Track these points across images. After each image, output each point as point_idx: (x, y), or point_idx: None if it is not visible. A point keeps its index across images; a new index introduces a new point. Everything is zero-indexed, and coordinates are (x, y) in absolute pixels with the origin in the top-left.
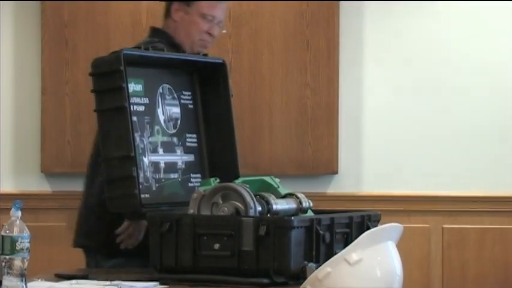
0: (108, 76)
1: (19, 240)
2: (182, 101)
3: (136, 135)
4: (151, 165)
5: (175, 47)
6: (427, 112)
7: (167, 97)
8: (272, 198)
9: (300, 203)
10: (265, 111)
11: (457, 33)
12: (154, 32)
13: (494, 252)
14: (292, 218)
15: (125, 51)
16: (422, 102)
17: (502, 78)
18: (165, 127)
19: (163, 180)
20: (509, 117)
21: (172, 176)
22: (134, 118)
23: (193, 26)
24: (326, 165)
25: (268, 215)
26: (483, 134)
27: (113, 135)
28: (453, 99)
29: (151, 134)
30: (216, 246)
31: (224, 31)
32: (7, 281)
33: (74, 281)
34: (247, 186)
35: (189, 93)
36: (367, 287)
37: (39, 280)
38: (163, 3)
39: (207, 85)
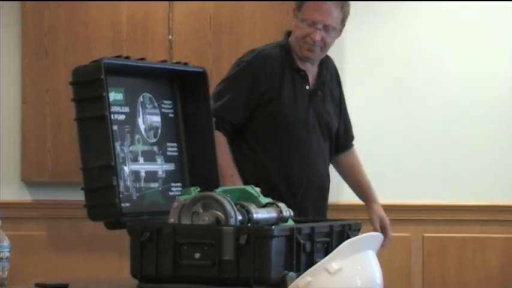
0: (88, 85)
1: None
2: (163, 110)
3: (117, 144)
4: (132, 174)
5: (288, 51)
6: (406, 121)
7: (148, 106)
8: (253, 208)
9: (281, 212)
10: None
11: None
12: (285, 35)
13: (475, 261)
14: (273, 227)
15: (105, 60)
16: (401, 111)
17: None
18: (145, 136)
19: (143, 189)
20: (492, 126)
21: (152, 185)
22: (115, 127)
23: (297, 30)
24: None
25: (249, 224)
26: (463, 144)
27: (93, 144)
28: (433, 107)
29: (132, 143)
30: (197, 255)
31: (331, 38)
32: None
33: None
34: (228, 195)
35: (170, 102)
36: None
37: None
38: (147, 12)
39: (187, 94)
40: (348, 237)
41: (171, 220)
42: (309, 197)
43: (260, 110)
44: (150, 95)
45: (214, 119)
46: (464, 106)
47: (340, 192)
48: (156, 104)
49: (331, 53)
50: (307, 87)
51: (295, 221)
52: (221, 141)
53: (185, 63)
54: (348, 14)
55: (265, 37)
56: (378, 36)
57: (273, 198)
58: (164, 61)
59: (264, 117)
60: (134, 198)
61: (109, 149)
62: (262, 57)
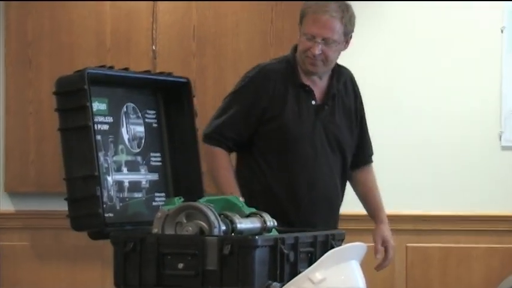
0: (72, 95)
1: None
2: (146, 120)
3: (100, 154)
4: (116, 184)
5: (293, 65)
6: (389, 131)
7: (131, 116)
8: (236, 218)
9: (264, 222)
10: None
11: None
12: (292, 49)
13: (459, 271)
14: (256, 237)
15: (89, 70)
16: (385, 120)
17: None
18: (129, 146)
19: (127, 199)
20: (477, 135)
21: (136, 195)
22: (98, 137)
23: (300, 44)
24: None
25: (233, 234)
26: (446, 154)
27: (76, 154)
28: (416, 117)
29: (116, 153)
30: (180, 265)
31: (333, 52)
32: None
33: None
34: (212, 205)
35: (154, 112)
36: None
37: None
38: (131, 22)
39: (171, 104)
40: (332, 247)
41: (155, 230)
42: (316, 213)
43: (264, 126)
44: (134, 105)
45: (215, 136)
46: (447, 116)
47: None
48: (139, 114)
49: None
50: (313, 101)
51: (279, 231)
52: (222, 158)
53: (169, 74)
54: (351, 24)
55: (249, 48)
56: (368, 45)
57: (278, 215)
58: (148, 71)
59: (268, 133)
60: (118, 208)
61: (92, 159)
62: (264, 72)
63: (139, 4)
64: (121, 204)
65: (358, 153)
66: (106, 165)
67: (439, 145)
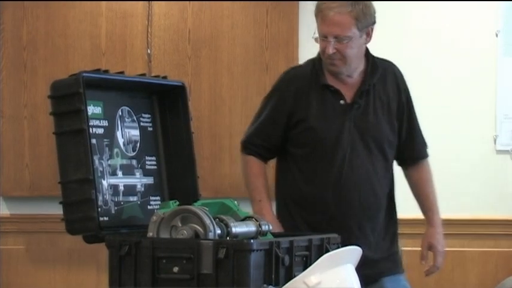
0: (67, 99)
1: None
2: (141, 124)
3: (96, 158)
4: (111, 188)
5: (318, 66)
6: None
7: (126, 120)
8: (231, 221)
9: (260, 226)
10: (225, 134)
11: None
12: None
13: (454, 275)
14: (252, 241)
15: (84, 74)
16: None
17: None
18: (124, 150)
19: (122, 203)
20: (464, 139)
21: (131, 198)
22: (93, 141)
23: (319, 46)
24: None
25: (228, 238)
26: (442, 158)
27: (71, 158)
28: None
29: (111, 157)
30: (175, 269)
31: (350, 50)
32: None
33: None
34: (207, 209)
35: (149, 115)
36: None
37: None
38: (126, 26)
39: (166, 108)
40: (327, 251)
41: (150, 234)
42: (347, 217)
43: (292, 131)
44: (129, 109)
45: (246, 144)
46: (442, 120)
47: None
48: (135, 118)
49: None
50: (342, 101)
51: (274, 235)
52: (252, 165)
53: (164, 77)
54: (366, 16)
55: (245, 51)
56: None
57: (309, 221)
58: (143, 75)
59: (296, 137)
60: (113, 212)
61: (87, 162)
62: (288, 77)
63: (135, 7)
64: (116, 207)
65: (406, 149)
66: (101, 168)
67: (434, 149)
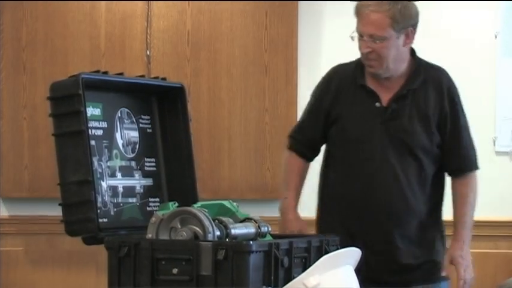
0: (66, 100)
1: None
2: (141, 125)
3: (95, 160)
4: (110, 189)
5: (361, 66)
6: None
7: (126, 121)
8: (231, 223)
9: (259, 227)
10: (224, 135)
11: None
12: None
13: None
14: (251, 242)
15: (83, 75)
16: None
17: None
18: (123, 151)
19: (121, 204)
20: None
21: (130, 200)
22: (92, 142)
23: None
24: None
25: (227, 240)
26: None
27: (71, 159)
28: None
29: (110, 158)
30: (175, 270)
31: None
32: None
33: None
34: (206, 210)
35: (148, 117)
36: None
37: None
38: (125, 27)
39: (165, 109)
40: (326, 253)
41: (149, 235)
42: (373, 221)
43: (330, 130)
44: (128, 110)
45: (290, 139)
46: None
47: None
48: (134, 119)
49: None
50: (377, 104)
51: (273, 236)
52: (290, 162)
53: (163, 79)
54: (405, 17)
55: (244, 53)
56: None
57: (340, 223)
58: (142, 76)
59: (332, 137)
60: (112, 213)
61: (87, 164)
62: (330, 74)
63: (134, 9)
64: (115, 209)
65: (449, 162)
66: (100, 170)
67: None
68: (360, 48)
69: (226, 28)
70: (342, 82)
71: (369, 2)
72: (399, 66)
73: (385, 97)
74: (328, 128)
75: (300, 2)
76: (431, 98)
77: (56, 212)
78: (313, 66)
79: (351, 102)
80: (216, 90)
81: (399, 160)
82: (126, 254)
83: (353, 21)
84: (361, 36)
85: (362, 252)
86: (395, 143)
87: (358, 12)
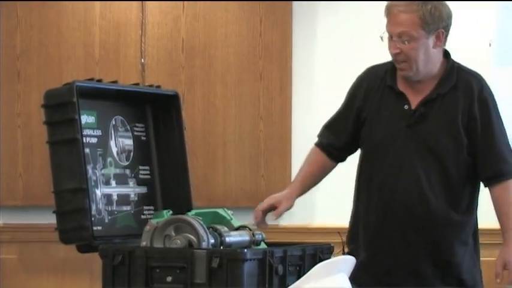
0: (60, 108)
1: None
2: (135, 133)
3: (89, 167)
4: (104, 197)
5: (394, 67)
6: None
7: (120, 129)
8: (225, 231)
9: (253, 235)
10: (219, 143)
11: None
12: None
13: None
14: (245, 250)
15: (77, 83)
16: None
17: None
18: (117, 159)
19: (116, 212)
20: None
21: (125, 208)
22: (87, 150)
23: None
24: None
25: (221, 248)
26: None
27: (65, 167)
28: None
29: (104, 166)
30: (169, 278)
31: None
32: None
33: None
34: (200, 218)
35: (142, 125)
36: None
37: None
38: (120, 35)
39: (160, 117)
40: (321, 260)
41: (143, 243)
42: (394, 222)
43: (361, 129)
44: (123, 118)
45: (318, 136)
46: None
47: (313, 215)
48: (128, 127)
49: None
50: (406, 106)
51: (268, 244)
52: (311, 153)
53: (158, 86)
54: (435, 17)
55: (238, 60)
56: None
57: (363, 225)
58: (137, 84)
59: (361, 137)
60: (106, 221)
61: (81, 172)
62: (364, 74)
63: (128, 17)
64: (109, 217)
65: (483, 168)
66: (94, 178)
67: None
68: (389, 49)
69: (221, 35)
70: (373, 82)
71: (399, 2)
72: (430, 69)
73: (415, 100)
74: (359, 129)
75: (294, 10)
76: (461, 103)
77: (50, 220)
78: (307, 74)
79: (380, 104)
80: (210, 97)
81: (422, 164)
82: (121, 262)
83: (347, 30)
84: (390, 37)
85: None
86: (420, 146)
87: (387, 12)
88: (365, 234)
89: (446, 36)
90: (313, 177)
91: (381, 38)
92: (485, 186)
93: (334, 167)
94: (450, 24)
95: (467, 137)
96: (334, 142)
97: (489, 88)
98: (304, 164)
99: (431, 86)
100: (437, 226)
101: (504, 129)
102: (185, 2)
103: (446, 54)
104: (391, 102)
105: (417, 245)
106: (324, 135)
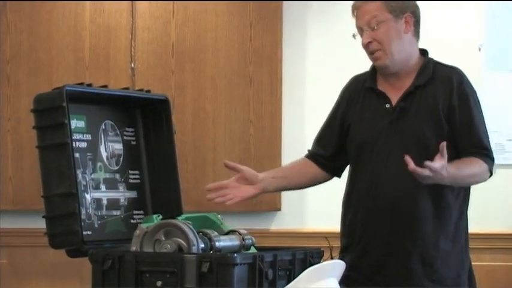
0: (50, 112)
1: None
2: (125, 138)
3: (79, 172)
4: (94, 202)
5: (372, 70)
6: None
7: (110, 133)
8: (215, 235)
9: (243, 239)
10: (209, 147)
11: None
12: None
13: None
14: (235, 255)
15: (67, 88)
16: None
17: None
18: (107, 164)
19: (105, 217)
20: None
21: (114, 212)
22: (76, 154)
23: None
24: (269, 202)
25: (211, 252)
26: None
27: (55, 171)
28: None
29: (94, 171)
30: (159, 283)
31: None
32: None
33: None
34: (190, 223)
35: (132, 129)
36: None
37: None
38: (110, 39)
39: (150, 121)
40: (311, 265)
41: (133, 248)
42: (382, 221)
43: (346, 137)
44: (112, 123)
45: (309, 149)
46: None
47: (303, 220)
48: (118, 132)
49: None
50: (388, 105)
51: (258, 249)
52: (297, 160)
53: (147, 91)
54: (398, 2)
55: (228, 65)
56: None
57: (348, 227)
58: (126, 88)
59: (347, 143)
60: (96, 226)
61: (71, 176)
62: (347, 83)
63: (118, 21)
64: (99, 221)
65: (463, 151)
66: (84, 182)
67: None
68: (362, 42)
69: (211, 40)
70: (355, 90)
71: None
72: (406, 58)
73: (395, 97)
74: (344, 138)
75: (284, 14)
76: (440, 93)
77: (40, 224)
78: (297, 78)
79: (362, 107)
80: (200, 101)
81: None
82: (110, 267)
83: (338, 35)
84: (361, 31)
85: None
86: (403, 141)
87: (354, 9)
88: (353, 235)
89: (416, 23)
90: (290, 177)
91: (354, 36)
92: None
93: (325, 176)
94: (418, 14)
95: (448, 125)
96: (322, 153)
97: (469, 82)
98: (287, 164)
99: (410, 80)
100: (423, 220)
101: (483, 121)
102: (175, 5)
103: (424, 52)
104: (373, 103)
105: (404, 241)
106: (313, 150)
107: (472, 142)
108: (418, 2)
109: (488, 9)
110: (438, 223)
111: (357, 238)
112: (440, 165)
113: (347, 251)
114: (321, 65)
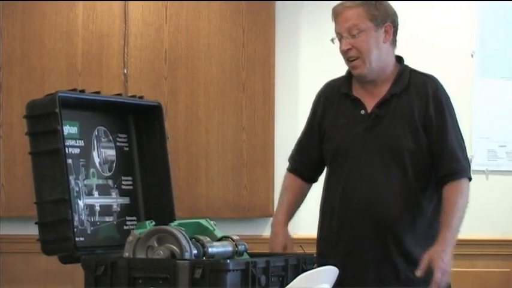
0: (43, 119)
1: None
2: (118, 144)
3: (71, 178)
4: (87, 208)
5: (347, 76)
6: None
7: (103, 139)
8: (208, 241)
9: (236, 245)
10: (202, 153)
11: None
12: None
13: None
14: (228, 261)
15: (60, 94)
16: None
17: None
18: (100, 170)
19: (98, 223)
20: None
21: (107, 219)
22: (69, 161)
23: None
24: (262, 208)
25: (204, 258)
26: None
27: (47, 178)
28: None
29: (87, 177)
30: None
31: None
32: None
33: None
34: (183, 229)
35: (125, 135)
36: None
37: None
38: (102, 45)
39: (142, 127)
40: (304, 271)
41: (126, 254)
42: (357, 228)
43: (323, 143)
44: (105, 129)
45: (289, 160)
46: None
47: (295, 226)
48: (111, 138)
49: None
50: (363, 111)
51: (251, 255)
52: (286, 180)
53: (140, 97)
54: (381, 11)
55: (221, 71)
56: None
57: (325, 235)
58: (119, 95)
59: (323, 149)
60: (89, 232)
61: (63, 182)
62: (321, 89)
63: (111, 27)
64: (92, 228)
65: (437, 167)
66: (77, 189)
67: None
68: (340, 48)
69: (204, 46)
70: (330, 94)
71: (343, 3)
72: (383, 67)
73: (371, 104)
74: (322, 142)
75: (277, 20)
76: (416, 103)
77: (33, 231)
78: (290, 84)
79: (337, 113)
80: (193, 108)
81: (382, 166)
82: (103, 273)
83: (330, 42)
84: (340, 37)
85: (345, 259)
86: (378, 148)
87: (334, 14)
88: (330, 241)
89: (395, 32)
90: (296, 205)
91: (332, 40)
92: (439, 186)
93: (310, 188)
94: (397, 22)
95: (424, 134)
96: (306, 164)
97: (444, 90)
98: (284, 192)
99: (386, 88)
100: (397, 226)
101: (459, 130)
102: (168, 11)
103: (399, 60)
104: (348, 109)
105: (380, 244)
106: (295, 160)
107: (445, 154)
108: (410, 7)
109: (480, 16)
110: (412, 225)
111: (334, 243)
112: (438, 275)
113: (323, 256)
114: (313, 71)
